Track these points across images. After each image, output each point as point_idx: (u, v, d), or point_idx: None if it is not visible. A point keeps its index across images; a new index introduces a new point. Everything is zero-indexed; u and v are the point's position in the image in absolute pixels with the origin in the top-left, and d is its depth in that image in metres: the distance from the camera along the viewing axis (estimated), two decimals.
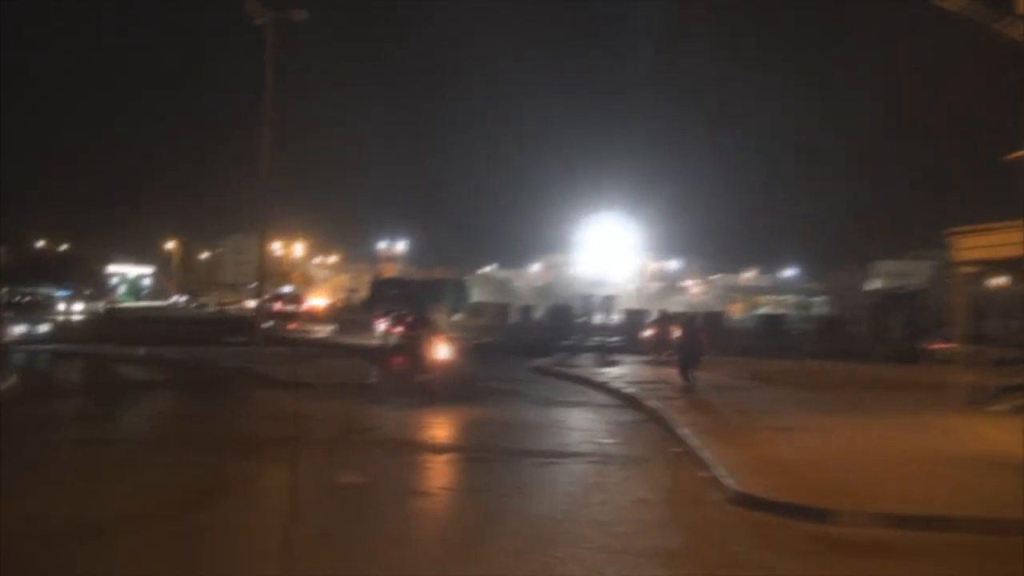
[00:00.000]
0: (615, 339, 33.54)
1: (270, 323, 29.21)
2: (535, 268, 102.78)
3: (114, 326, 38.16)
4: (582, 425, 14.49)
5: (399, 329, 31.58)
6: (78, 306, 50.81)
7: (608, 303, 32.26)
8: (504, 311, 56.62)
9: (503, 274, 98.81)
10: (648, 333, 26.79)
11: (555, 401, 17.34)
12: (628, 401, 16.97)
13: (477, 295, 64.12)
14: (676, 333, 20.77)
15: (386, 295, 35.45)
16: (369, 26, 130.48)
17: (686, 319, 22.89)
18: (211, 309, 64.14)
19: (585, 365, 24.34)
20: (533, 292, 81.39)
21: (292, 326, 36.22)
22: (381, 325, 32.64)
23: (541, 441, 12.76)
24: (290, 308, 54.41)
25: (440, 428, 14.14)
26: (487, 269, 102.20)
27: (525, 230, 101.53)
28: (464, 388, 18.27)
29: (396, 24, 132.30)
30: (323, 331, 38.92)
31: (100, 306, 56.19)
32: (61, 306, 48.91)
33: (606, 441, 12.84)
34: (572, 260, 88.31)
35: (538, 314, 56.10)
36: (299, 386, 18.09)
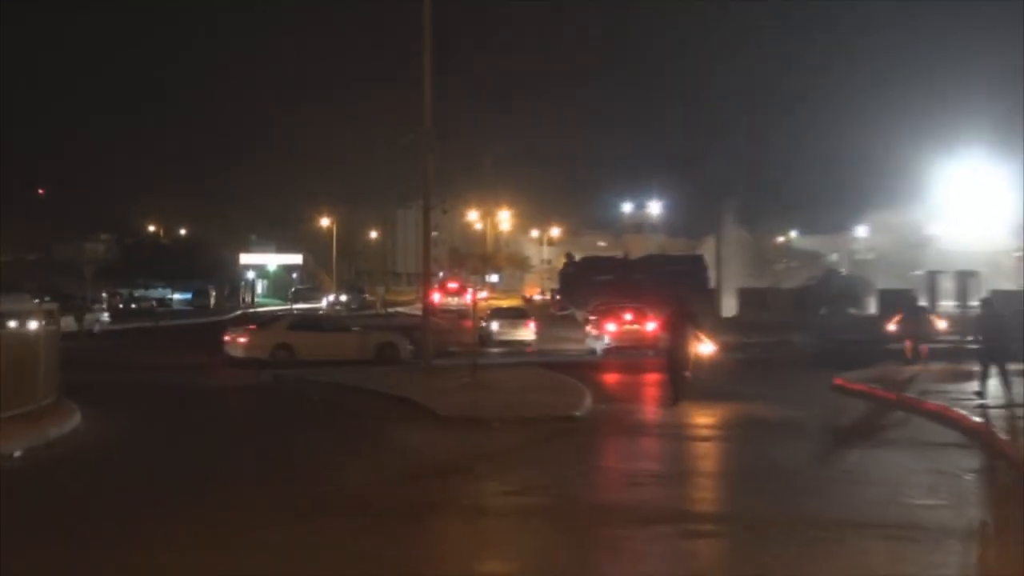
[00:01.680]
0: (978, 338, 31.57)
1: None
2: (859, 233, 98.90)
3: None
4: (889, 475, 13.40)
5: (615, 329, 31.33)
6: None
7: (967, 282, 29.98)
8: (803, 299, 54.50)
9: (808, 242, 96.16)
10: (892, 327, 28.36)
11: (854, 436, 16.96)
12: (975, 437, 16.02)
13: (755, 278, 62.43)
14: (940, 324, 21.58)
15: (588, 282, 35.46)
16: None
17: (985, 302, 23.36)
18: (376, 311, 66.86)
19: (920, 380, 23.73)
20: (855, 268, 78.31)
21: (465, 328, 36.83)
22: (590, 325, 32.68)
23: (809, 502, 11.61)
24: (456, 304, 55.42)
25: (657, 484, 13.20)
26: (784, 238, 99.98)
27: (842, 181, 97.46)
28: (721, 419, 18.54)
29: None
30: (517, 333, 39.30)
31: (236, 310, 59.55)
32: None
33: (920, 503, 11.58)
34: (916, 221, 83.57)
35: (859, 302, 53.64)
36: (467, 424, 17.93)
